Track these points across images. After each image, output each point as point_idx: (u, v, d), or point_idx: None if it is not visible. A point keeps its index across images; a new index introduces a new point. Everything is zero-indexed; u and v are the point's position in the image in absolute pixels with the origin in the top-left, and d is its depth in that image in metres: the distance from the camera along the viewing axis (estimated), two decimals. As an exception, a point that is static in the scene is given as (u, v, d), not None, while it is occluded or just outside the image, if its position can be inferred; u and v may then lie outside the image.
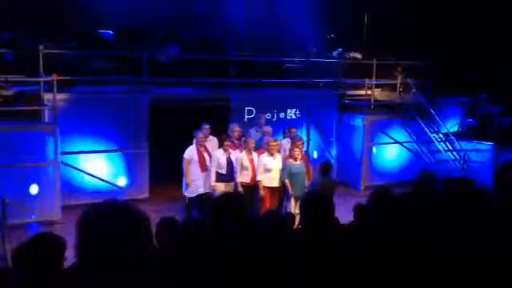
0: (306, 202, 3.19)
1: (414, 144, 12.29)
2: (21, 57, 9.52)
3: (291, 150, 8.45)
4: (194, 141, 8.62)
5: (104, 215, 1.80)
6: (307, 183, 8.32)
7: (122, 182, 10.10)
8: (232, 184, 8.41)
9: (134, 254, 1.74)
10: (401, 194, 3.64)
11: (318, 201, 3.11)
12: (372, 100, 12.11)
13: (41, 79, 9.03)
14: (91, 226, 1.78)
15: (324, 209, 3.05)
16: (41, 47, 8.95)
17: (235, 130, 9.14)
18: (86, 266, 1.74)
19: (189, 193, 8.54)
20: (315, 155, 11.95)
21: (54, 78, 8.90)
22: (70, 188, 9.40)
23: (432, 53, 12.57)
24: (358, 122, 12.00)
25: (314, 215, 3.03)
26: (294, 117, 12.01)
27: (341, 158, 12.37)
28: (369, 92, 12.25)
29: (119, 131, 9.96)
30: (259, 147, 8.74)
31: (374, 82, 12.28)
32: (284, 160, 8.43)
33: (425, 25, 13.41)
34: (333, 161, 11.65)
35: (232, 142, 8.81)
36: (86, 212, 1.82)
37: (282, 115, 11.85)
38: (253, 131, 9.73)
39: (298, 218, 6.55)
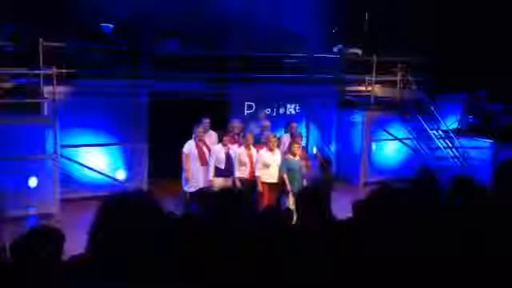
0: (300, 198, 3.18)
1: (414, 141, 12.29)
2: (21, 49, 9.50)
3: (290, 145, 8.44)
4: (194, 135, 8.61)
5: (127, 209, 1.75)
6: (305, 179, 8.32)
7: (120, 175, 10.10)
8: (231, 179, 8.42)
9: (150, 252, 1.71)
10: (400, 190, 3.62)
11: (313, 197, 3.09)
12: (372, 96, 12.10)
13: (40, 72, 9.01)
14: (111, 218, 1.74)
15: (319, 205, 3.04)
16: (41, 40, 8.93)
17: (235, 125, 9.15)
18: (98, 258, 1.71)
19: (188, 187, 8.54)
20: (314, 151, 11.95)
21: (54, 70, 8.89)
22: (68, 181, 9.40)
23: (432, 49, 12.54)
24: (358, 118, 11.99)
25: (308, 212, 3.03)
26: (293, 112, 12.01)
27: (340, 154, 12.37)
28: (369, 88, 12.24)
29: (119, 125, 9.95)
30: (258, 142, 8.74)
31: (374, 79, 12.27)
32: (283, 155, 8.43)
33: (425, 21, 13.37)
34: (332, 157, 11.65)
35: (232, 136, 8.81)
36: (108, 202, 1.77)
37: (281, 111, 11.84)
38: (253, 126, 9.74)
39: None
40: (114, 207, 1.78)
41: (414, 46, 12.58)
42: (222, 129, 9.14)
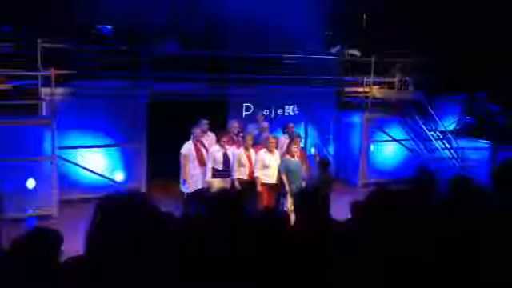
0: (299, 199, 3.17)
1: (412, 142, 12.31)
2: (19, 50, 9.50)
3: (289, 146, 8.45)
4: (192, 136, 8.60)
5: (123, 209, 1.75)
6: (304, 180, 8.33)
7: (119, 176, 10.09)
8: (229, 180, 8.42)
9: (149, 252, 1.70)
10: (398, 191, 3.62)
11: (311, 198, 3.09)
12: (370, 97, 12.11)
13: (39, 73, 9.01)
14: (107, 218, 1.73)
15: (318, 206, 3.04)
16: (39, 41, 8.93)
17: (233, 125, 9.15)
18: (95, 259, 1.71)
19: (186, 188, 8.54)
20: (312, 152, 11.96)
21: (53, 72, 8.89)
22: (67, 182, 9.38)
23: (431, 50, 12.56)
24: (356, 119, 12.00)
25: (307, 212, 3.03)
26: (291, 113, 12.01)
27: (339, 155, 12.38)
28: (367, 89, 12.25)
29: (117, 126, 9.94)
30: (257, 143, 8.75)
31: (373, 80, 12.29)
32: (281, 156, 8.43)
33: (424, 22, 13.39)
34: (330, 158, 11.67)
35: (230, 137, 8.81)
36: (104, 202, 1.77)
37: (279, 112, 11.85)
38: (251, 127, 9.74)
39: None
40: (109, 208, 1.78)
41: (413, 46, 12.61)
42: (220, 130, 9.13)
